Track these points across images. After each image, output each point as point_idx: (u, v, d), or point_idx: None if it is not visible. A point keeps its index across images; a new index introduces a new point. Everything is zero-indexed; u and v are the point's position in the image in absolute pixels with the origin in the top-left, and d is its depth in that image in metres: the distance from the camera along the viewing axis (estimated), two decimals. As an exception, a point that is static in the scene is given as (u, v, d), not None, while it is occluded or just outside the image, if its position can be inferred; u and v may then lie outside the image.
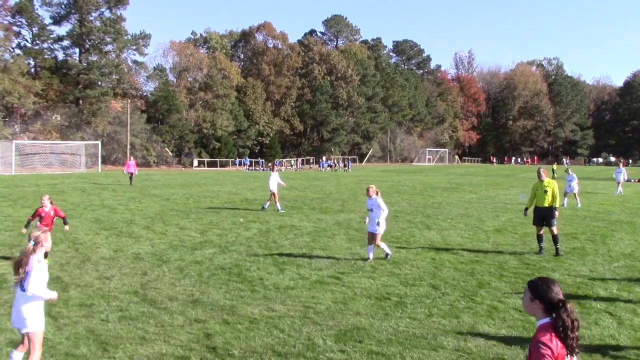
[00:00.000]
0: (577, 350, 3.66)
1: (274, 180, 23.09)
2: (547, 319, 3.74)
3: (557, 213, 13.91)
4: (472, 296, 9.83)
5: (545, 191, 13.93)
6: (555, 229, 13.77)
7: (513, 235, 16.74)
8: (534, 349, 3.63)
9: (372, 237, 12.83)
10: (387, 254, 12.93)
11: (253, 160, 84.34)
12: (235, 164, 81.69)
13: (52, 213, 12.26)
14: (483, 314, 8.84)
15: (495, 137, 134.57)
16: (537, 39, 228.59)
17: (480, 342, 7.52)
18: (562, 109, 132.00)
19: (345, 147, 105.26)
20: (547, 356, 3.57)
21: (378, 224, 12.69)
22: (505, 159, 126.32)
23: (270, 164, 27.73)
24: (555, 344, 3.62)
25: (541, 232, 14.02)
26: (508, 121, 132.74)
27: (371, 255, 12.84)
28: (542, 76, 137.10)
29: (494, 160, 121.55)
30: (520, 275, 11.47)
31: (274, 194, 22.97)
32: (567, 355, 3.64)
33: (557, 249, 13.72)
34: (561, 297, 3.75)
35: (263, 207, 22.90)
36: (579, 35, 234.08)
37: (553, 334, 3.66)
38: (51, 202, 12.39)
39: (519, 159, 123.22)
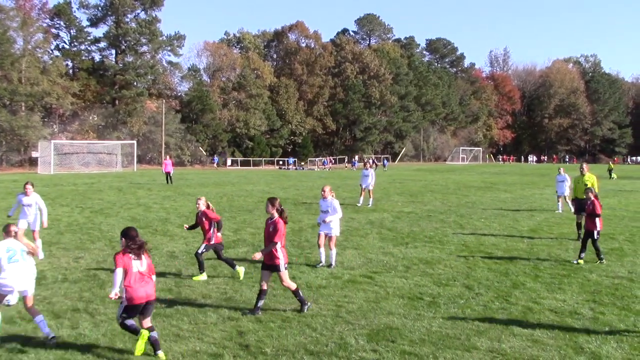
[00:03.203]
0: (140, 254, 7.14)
1: (370, 178, 24.68)
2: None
3: None
4: (507, 297, 9.71)
5: (585, 184, 15.71)
6: None
7: (549, 235, 16.49)
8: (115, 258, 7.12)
9: (324, 238, 12.01)
10: (331, 264, 11.87)
11: (280, 159, 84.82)
12: (225, 163, 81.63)
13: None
14: (517, 314, 8.73)
15: (530, 136, 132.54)
16: (573, 36, 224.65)
17: (515, 344, 7.43)
18: (599, 107, 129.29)
19: (378, 146, 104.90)
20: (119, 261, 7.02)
21: (332, 225, 11.96)
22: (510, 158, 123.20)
23: (368, 162, 29.79)
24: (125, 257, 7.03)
25: (580, 220, 15.18)
26: (544, 119, 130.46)
27: (323, 259, 11.99)
28: (579, 73, 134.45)
29: (504, 159, 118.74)
30: (556, 276, 11.28)
31: (369, 190, 24.67)
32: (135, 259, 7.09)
33: None
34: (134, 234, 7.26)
35: (368, 204, 24.16)
36: (617, 31, 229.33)
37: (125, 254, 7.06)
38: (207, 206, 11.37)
39: (533, 158, 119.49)
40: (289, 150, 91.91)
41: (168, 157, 42.74)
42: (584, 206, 15.25)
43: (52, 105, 65.57)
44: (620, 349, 7.32)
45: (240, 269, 10.95)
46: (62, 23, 73.80)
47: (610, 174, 50.77)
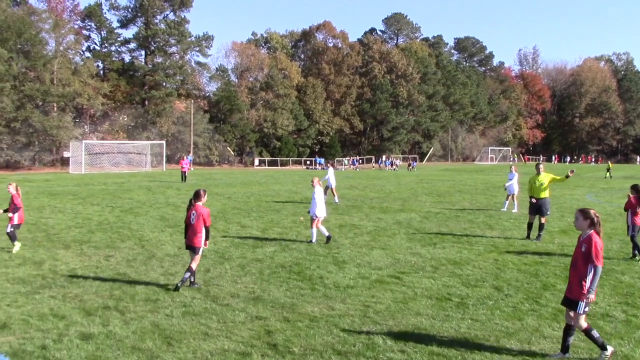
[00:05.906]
0: None
1: (332, 176, 26.63)
2: None
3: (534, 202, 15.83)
4: (537, 298, 9.59)
5: (541, 184, 15.86)
6: (544, 219, 15.78)
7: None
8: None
9: (312, 221, 14.79)
10: (321, 237, 14.81)
11: (306, 159, 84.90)
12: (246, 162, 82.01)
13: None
14: (548, 316, 8.62)
15: (560, 135, 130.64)
16: (605, 34, 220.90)
17: (545, 346, 7.33)
18: (632, 106, 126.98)
19: (406, 146, 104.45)
20: None
21: (315, 209, 14.64)
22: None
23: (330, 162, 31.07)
24: None
25: (532, 221, 15.85)
26: (574, 119, 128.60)
27: (314, 238, 14.66)
28: (611, 72, 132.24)
29: (526, 160, 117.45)
30: (587, 277, 11.09)
31: (333, 189, 26.20)
32: None
33: (539, 235, 15.50)
34: None
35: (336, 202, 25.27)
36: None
37: None
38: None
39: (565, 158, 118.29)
40: (317, 150, 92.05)
41: (185, 156, 43.71)
42: (539, 206, 15.65)
43: (83, 106, 66.64)
44: None
45: (17, 244, 12.96)
46: (92, 24, 74.97)
47: (607, 172, 53.46)
